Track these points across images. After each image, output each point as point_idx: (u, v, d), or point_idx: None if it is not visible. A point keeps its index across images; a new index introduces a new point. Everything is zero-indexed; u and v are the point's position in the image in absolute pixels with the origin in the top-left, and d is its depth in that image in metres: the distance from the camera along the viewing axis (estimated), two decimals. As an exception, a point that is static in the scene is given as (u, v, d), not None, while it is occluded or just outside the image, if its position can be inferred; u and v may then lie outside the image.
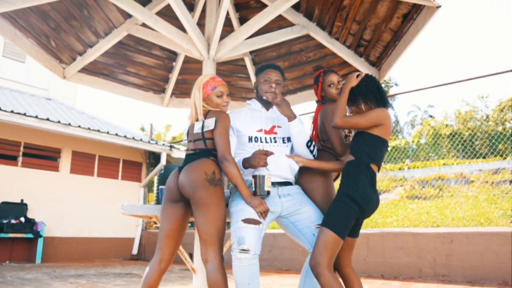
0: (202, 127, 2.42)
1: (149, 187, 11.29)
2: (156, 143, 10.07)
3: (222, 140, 2.34)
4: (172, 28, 3.25)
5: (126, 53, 4.31)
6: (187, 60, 4.52)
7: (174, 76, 4.60)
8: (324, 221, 2.25)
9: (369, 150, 2.34)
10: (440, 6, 2.74)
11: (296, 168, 2.64)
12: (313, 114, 2.99)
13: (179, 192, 2.34)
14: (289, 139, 2.69)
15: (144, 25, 3.83)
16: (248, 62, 4.46)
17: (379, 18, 3.37)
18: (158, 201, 10.10)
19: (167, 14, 3.90)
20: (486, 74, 6.00)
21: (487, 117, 24.41)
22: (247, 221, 2.23)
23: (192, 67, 4.62)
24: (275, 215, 2.48)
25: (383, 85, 2.57)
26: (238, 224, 2.24)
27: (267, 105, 2.76)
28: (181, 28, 3.29)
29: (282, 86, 2.75)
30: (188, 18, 3.07)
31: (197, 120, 2.49)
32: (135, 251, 10.09)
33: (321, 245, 2.18)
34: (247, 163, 2.47)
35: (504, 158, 12.56)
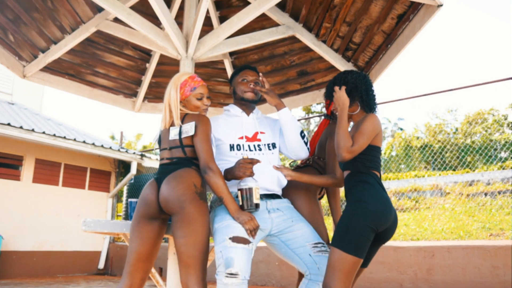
0: (180, 133, 2.11)
1: (118, 197, 10.75)
2: (126, 151, 9.60)
3: (204, 147, 2.05)
4: (146, 23, 2.92)
5: (95, 51, 3.94)
6: (162, 61, 4.19)
7: (147, 79, 4.25)
8: (335, 240, 1.96)
9: (365, 159, 2.10)
10: (441, 5, 2.54)
11: (284, 181, 2.36)
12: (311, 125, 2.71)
13: (159, 208, 2.01)
14: (274, 145, 2.43)
15: (115, 20, 3.49)
16: (227, 65, 4.17)
17: (371, 19, 3.15)
18: (127, 216, 9.64)
19: (142, 10, 3.58)
20: (455, 87, 6.10)
21: (456, 130, 24.97)
22: (236, 239, 1.93)
23: (167, 69, 4.29)
24: (264, 233, 2.19)
25: None
26: (225, 244, 1.93)
27: (247, 109, 2.50)
28: (157, 24, 2.97)
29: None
30: (165, 12, 2.76)
31: (172, 125, 2.18)
32: (101, 265, 9.53)
33: (335, 269, 1.89)
34: (231, 174, 2.18)
35: (473, 170, 12.68)
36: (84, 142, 8.64)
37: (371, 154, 2.10)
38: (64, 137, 8.31)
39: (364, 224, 1.91)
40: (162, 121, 2.24)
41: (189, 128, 2.10)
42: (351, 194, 2.06)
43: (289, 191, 2.39)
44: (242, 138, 2.39)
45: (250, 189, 2.07)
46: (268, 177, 2.29)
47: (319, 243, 2.16)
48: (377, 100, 2.31)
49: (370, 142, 2.09)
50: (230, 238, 1.93)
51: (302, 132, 2.40)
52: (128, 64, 4.16)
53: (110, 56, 4.03)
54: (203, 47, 3.00)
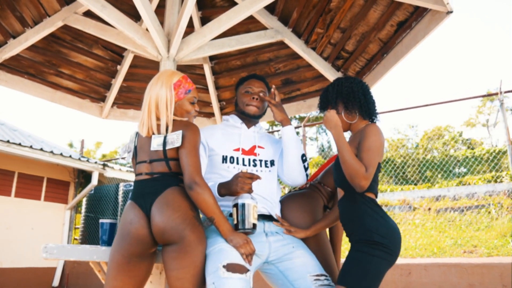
0: (164, 143, 1.78)
1: (76, 209, 10.08)
2: (87, 160, 9.01)
3: (190, 159, 1.73)
4: (123, 17, 2.59)
5: (60, 49, 3.53)
6: (135, 63, 3.83)
7: (117, 82, 3.87)
8: (348, 281, 1.66)
9: None
10: (451, 12, 2.36)
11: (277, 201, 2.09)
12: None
13: (153, 241, 1.69)
14: (272, 163, 2.16)
15: (86, 14, 3.12)
16: (207, 70, 3.86)
17: (368, 25, 2.95)
18: (85, 236, 8.97)
19: (116, 6, 3.23)
20: (417, 105, 6.51)
21: (417, 145, 25.65)
22: (231, 268, 1.61)
23: (141, 72, 3.93)
24: (261, 259, 1.88)
25: None
26: (218, 273, 1.60)
27: (248, 122, 2.22)
28: (135, 19, 2.64)
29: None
30: (146, 4, 2.44)
31: (153, 133, 1.85)
32: (56, 282, 8.82)
33: None
34: (225, 188, 1.87)
35: (434, 185, 12.90)
36: (41, 149, 8.00)
37: (374, 173, 1.84)
38: (19, 144, 7.65)
39: (385, 269, 1.66)
40: (140, 127, 1.90)
41: (175, 138, 1.78)
42: (358, 225, 1.77)
43: (288, 211, 2.09)
44: (237, 150, 2.11)
45: (248, 206, 1.77)
46: (265, 195, 2.00)
47: (322, 275, 1.85)
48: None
49: None
50: (224, 266, 1.61)
51: (303, 155, 2.14)
52: (97, 65, 3.77)
53: (77, 55, 3.63)
54: (186, 47, 2.69)
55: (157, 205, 1.66)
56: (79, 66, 3.70)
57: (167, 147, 1.78)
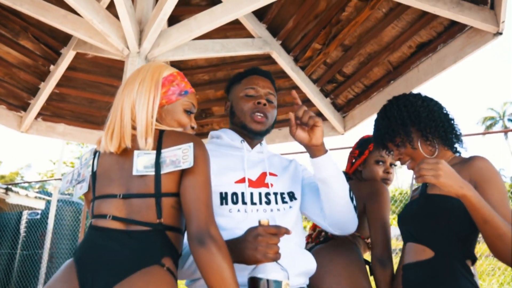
0: (158, 163, 1.08)
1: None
2: (-14, 183, 7.55)
3: (203, 195, 1.07)
4: (78, -9, 1.84)
5: (-29, 34, 2.61)
6: (76, 65, 2.99)
7: (48, 87, 2.98)
8: None
9: (469, 241, 1.29)
10: (500, 33, 1.96)
11: (314, 264, 1.42)
12: None
13: None
14: (293, 196, 1.48)
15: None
16: (167, 83, 3.14)
17: (380, 45, 2.49)
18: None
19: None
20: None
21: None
22: None
23: (81, 77, 3.09)
24: None
25: None
26: None
27: (251, 138, 1.54)
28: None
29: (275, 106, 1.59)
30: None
31: (134, 148, 1.14)
32: None
33: None
34: (233, 252, 1.14)
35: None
36: None
37: (470, 223, 1.29)
38: None
39: None
40: (106, 138, 1.16)
41: (180, 155, 1.08)
42: None
43: (327, 276, 1.46)
44: (242, 181, 1.41)
45: (277, 285, 1.09)
46: (289, 257, 1.33)
47: None
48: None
49: None
50: None
51: (351, 191, 1.45)
52: (23, 62, 2.87)
53: (-5, 46, 2.72)
54: (165, 42, 1.99)
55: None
56: (-3, 60, 2.78)
57: (165, 171, 1.08)
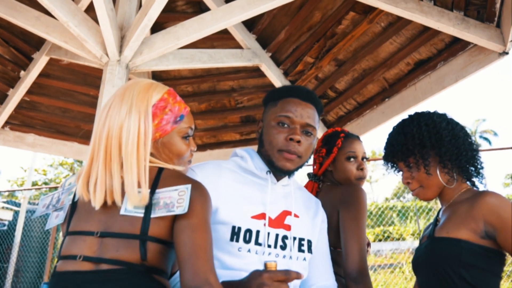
0: (150, 207, 0.92)
1: None
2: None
3: (201, 242, 0.90)
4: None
5: None
6: (48, 71, 2.77)
7: (17, 95, 2.76)
8: None
9: (469, 280, 1.15)
10: (506, 53, 1.86)
11: None
12: None
13: None
14: (309, 248, 1.28)
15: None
16: (148, 94, 2.96)
17: (376, 61, 2.37)
18: None
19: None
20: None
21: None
22: None
23: (54, 85, 2.87)
24: None
25: None
26: None
27: (277, 171, 1.27)
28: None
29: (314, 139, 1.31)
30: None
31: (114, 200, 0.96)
32: None
33: None
34: None
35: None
36: None
37: (497, 269, 1.16)
38: None
39: None
40: (85, 186, 0.95)
41: (175, 198, 0.91)
42: None
43: None
44: (260, 217, 1.20)
45: None
46: None
47: None
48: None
49: (490, 244, 1.16)
50: None
51: None
52: (-10, 67, 2.64)
53: (-41, 48, 2.49)
54: (148, 51, 1.82)
55: None
56: (-40, 63, 2.54)
57: (156, 214, 0.90)
